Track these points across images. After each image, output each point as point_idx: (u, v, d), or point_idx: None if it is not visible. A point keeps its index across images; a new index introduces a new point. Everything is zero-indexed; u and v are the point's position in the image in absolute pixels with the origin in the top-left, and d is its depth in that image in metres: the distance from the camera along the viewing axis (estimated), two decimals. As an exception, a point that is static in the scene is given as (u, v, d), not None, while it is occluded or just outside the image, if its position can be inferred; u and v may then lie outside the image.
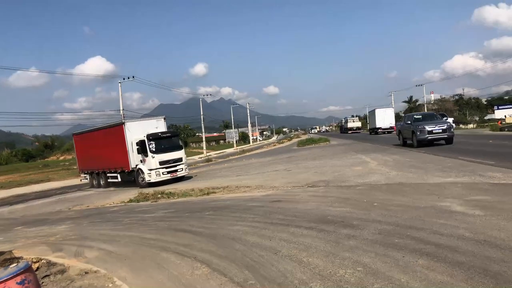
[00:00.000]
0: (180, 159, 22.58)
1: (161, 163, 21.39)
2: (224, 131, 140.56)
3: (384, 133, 53.83)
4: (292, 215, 8.34)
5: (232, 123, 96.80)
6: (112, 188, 23.99)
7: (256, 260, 5.62)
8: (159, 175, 21.35)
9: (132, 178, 22.65)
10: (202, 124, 62.39)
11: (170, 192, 15.50)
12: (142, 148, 21.34)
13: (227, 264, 5.66)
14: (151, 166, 21.25)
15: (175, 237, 8.03)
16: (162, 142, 21.89)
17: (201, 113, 61.42)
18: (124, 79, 39.77)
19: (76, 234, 10.14)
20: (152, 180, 21.13)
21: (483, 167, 11.82)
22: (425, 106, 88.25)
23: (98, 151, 24.69)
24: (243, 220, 8.64)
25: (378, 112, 56.67)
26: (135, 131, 22.04)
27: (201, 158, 50.43)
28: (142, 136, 21.44)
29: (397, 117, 71.61)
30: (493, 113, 74.13)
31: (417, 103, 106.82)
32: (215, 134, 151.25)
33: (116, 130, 22.84)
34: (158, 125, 23.26)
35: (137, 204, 14.78)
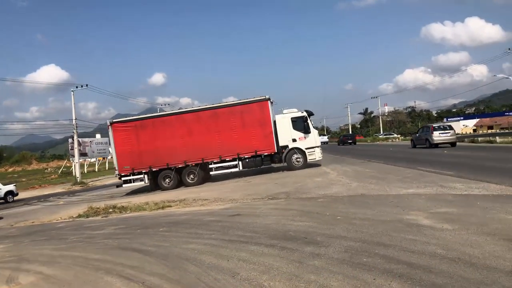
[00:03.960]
0: None
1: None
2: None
3: None
4: (251, 231, 7.79)
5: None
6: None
7: (212, 285, 5.02)
8: (320, 153, 20.41)
9: (269, 162, 20.41)
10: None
11: (123, 206, 14.54)
12: (303, 125, 20.11)
13: (179, 290, 5.02)
14: (317, 143, 20.33)
15: (123, 257, 7.25)
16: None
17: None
18: (77, 87, 38.03)
19: (13, 255, 9.08)
20: (317, 158, 20.23)
21: (443, 178, 11.82)
22: (380, 118, 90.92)
23: (196, 138, 20.06)
24: (199, 237, 8.00)
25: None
26: None
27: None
28: (300, 113, 20.41)
29: None
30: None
31: (372, 115, 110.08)
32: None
33: (254, 108, 20.04)
34: None
35: (86, 220, 13.72)
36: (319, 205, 9.77)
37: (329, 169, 18.30)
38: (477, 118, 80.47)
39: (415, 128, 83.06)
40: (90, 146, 54.01)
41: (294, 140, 20.22)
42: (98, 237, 9.87)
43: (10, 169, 76.78)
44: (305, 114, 20.48)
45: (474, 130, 60.70)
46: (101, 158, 62.62)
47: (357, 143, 59.28)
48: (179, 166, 20.26)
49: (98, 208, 14.87)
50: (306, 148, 20.20)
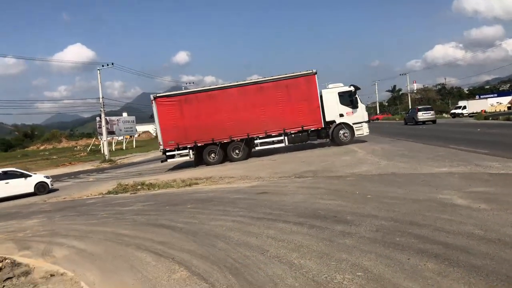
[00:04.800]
0: None
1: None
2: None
3: None
4: (279, 209, 7.73)
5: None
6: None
7: (241, 261, 4.99)
8: (367, 128, 20.36)
9: (315, 137, 20.44)
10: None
11: (151, 183, 14.75)
12: (350, 99, 20.02)
13: (209, 266, 5.01)
14: (364, 118, 20.29)
15: (152, 233, 7.35)
16: None
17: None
18: (103, 66, 38.36)
19: (47, 230, 9.39)
20: (365, 133, 20.15)
21: (478, 156, 11.38)
22: (409, 95, 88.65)
23: (241, 113, 19.79)
24: (226, 214, 8.01)
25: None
26: None
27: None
28: (347, 87, 20.33)
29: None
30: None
31: (400, 92, 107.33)
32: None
33: (301, 82, 19.75)
34: None
35: (115, 196, 14.00)
36: (348, 184, 9.60)
37: (357, 148, 17.97)
38: (513, 95, 77.04)
39: (445, 106, 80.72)
40: (118, 125, 55.02)
41: (341, 115, 19.95)
42: (127, 213, 10.05)
43: (42, 147, 79.21)
44: (352, 88, 20.12)
45: (509, 108, 58.25)
46: (128, 136, 63.74)
47: (384, 121, 59.60)
48: (225, 141, 20.05)
49: (126, 185, 15.12)
50: (354, 123, 19.91)
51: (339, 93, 20.06)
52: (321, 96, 19.95)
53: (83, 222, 9.70)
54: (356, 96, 20.11)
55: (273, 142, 20.10)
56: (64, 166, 37.96)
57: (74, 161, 42.97)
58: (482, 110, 49.53)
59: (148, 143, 66.48)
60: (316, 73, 19.65)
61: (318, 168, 13.22)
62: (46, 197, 16.96)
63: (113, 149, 53.69)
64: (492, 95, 78.76)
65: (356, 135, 20.00)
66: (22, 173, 19.19)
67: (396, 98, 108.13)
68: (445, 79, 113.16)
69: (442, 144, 15.56)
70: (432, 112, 36.66)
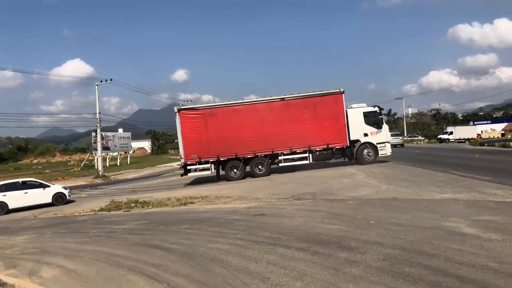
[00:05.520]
0: None
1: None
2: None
3: None
4: (279, 232, 7.45)
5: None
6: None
7: (241, 289, 4.70)
8: (390, 149, 20.48)
9: (339, 155, 20.32)
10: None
11: (145, 201, 14.39)
12: (375, 119, 20.19)
13: (206, 294, 4.72)
14: (387, 138, 20.47)
15: (146, 254, 7.03)
16: None
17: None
18: (101, 81, 38.18)
19: (36, 247, 9.02)
20: (388, 154, 20.22)
21: (479, 183, 11.20)
22: (404, 120, 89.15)
23: (267, 129, 19.60)
24: (223, 236, 7.70)
25: None
26: None
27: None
28: (372, 107, 20.63)
29: None
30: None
31: (396, 116, 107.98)
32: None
33: (329, 100, 19.82)
34: None
35: (108, 214, 13.65)
36: (349, 208, 9.34)
37: (355, 170, 17.75)
38: (506, 122, 77.68)
39: (439, 131, 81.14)
40: (113, 140, 54.63)
41: (365, 135, 20.09)
42: (120, 232, 9.71)
43: (35, 161, 78.27)
44: (377, 109, 20.39)
45: (503, 135, 58.62)
46: (123, 153, 63.23)
47: None
48: (248, 156, 19.84)
49: (120, 202, 14.74)
50: (378, 143, 19.99)
51: (364, 113, 20.26)
52: (346, 115, 20.00)
53: (74, 240, 9.35)
54: (381, 116, 20.41)
55: (295, 159, 20.04)
56: (56, 181, 37.25)
57: (67, 176, 42.34)
58: (478, 136, 49.87)
59: (142, 159, 65.95)
60: (343, 92, 19.75)
61: (317, 190, 12.96)
62: (38, 213, 16.50)
63: (107, 165, 53.10)
64: (486, 122, 79.47)
65: (379, 155, 20.06)
66: (41, 183, 18.95)
67: (391, 122, 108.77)
68: (439, 104, 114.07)
69: (441, 169, 15.41)
70: (400, 137, 45.30)
